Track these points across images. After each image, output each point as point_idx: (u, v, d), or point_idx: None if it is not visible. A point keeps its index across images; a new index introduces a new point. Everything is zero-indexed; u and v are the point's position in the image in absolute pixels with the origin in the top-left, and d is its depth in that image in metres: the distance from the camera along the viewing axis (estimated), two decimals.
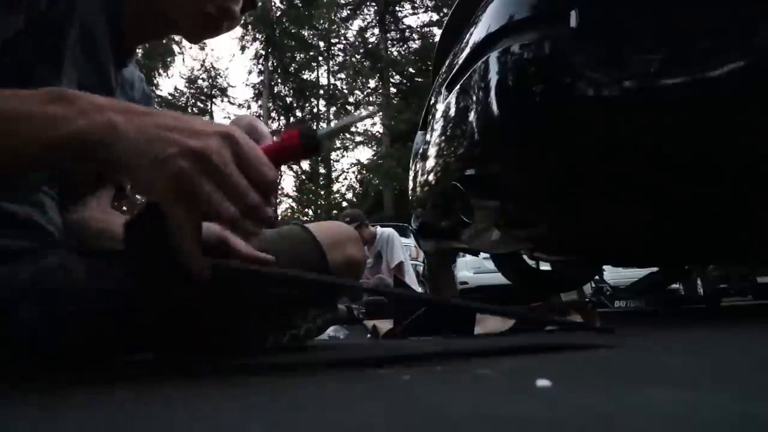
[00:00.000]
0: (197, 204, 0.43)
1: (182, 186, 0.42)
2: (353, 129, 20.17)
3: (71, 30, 0.64)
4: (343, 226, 0.92)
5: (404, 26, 19.06)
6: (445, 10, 16.28)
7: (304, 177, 20.58)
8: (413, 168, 1.94)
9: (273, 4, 18.88)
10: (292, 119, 20.63)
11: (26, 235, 0.63)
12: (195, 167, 0.42)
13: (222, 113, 23.85)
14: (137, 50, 0.81)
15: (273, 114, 20.06)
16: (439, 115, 1.58)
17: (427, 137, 1.71)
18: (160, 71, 19.05)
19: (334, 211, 17.88)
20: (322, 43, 20.47)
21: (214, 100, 21.07)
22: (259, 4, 0.83)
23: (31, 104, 0.44)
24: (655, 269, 3.38)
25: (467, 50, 1.39)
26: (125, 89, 0.80)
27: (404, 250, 3.69)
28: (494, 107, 1.18)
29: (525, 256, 2.48)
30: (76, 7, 0.63)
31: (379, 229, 3.68)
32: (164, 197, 0.43)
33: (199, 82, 20.94)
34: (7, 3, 0.56)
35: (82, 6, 0.64)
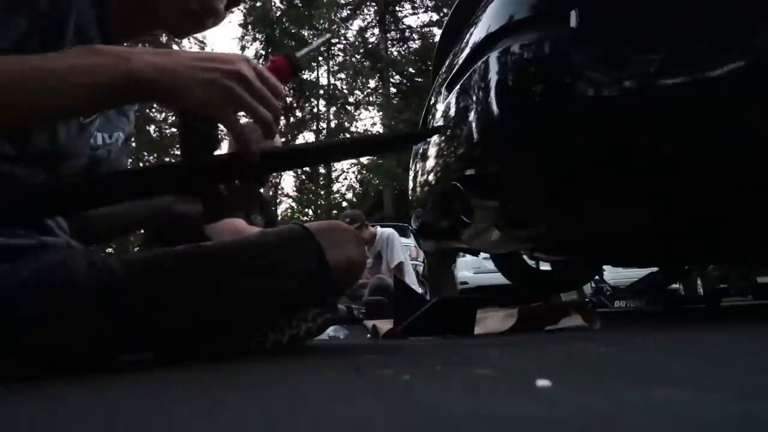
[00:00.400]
0: (243, 109, 0.57)
1: (231, 99, 0.56)
2: (353, 129, 20.20)
3: (69, 29, 0.65)
4: (343, 226, 0.92)
5: (404, 26, 19.04)
6: (445, 10, 16.26)
7: (304, 177, 20.58)
8: (413, 168, 1.94)
9: (273, 4, 18.87)
10: (292, 119, 20.64)
11: (27, 232, 0.64)
12: (236, 84, 0.56)
13: None
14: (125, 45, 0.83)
15: None
16: (439, 115, 1.58)
17: None
18: None
19: (334, 211, 17.87)
20: None
21: None
22: (247, 1, 0.88)
23: (70, 59, 0.53)
24: (655, 269, 3.37)
25: (467, 50, 1.39)
26: None
27: (404, 250, 3.69)
28: (494, 107, 1.18)
29: (525, 256, 2.48)
30: (73, 5, 0.65)
31: (379, 229, 3.68)
32: (219, 109, 0.57)
33: None
34: (10, 6, 0.59)
35: (77, 4, 0.66)
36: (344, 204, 18.75)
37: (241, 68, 0.57)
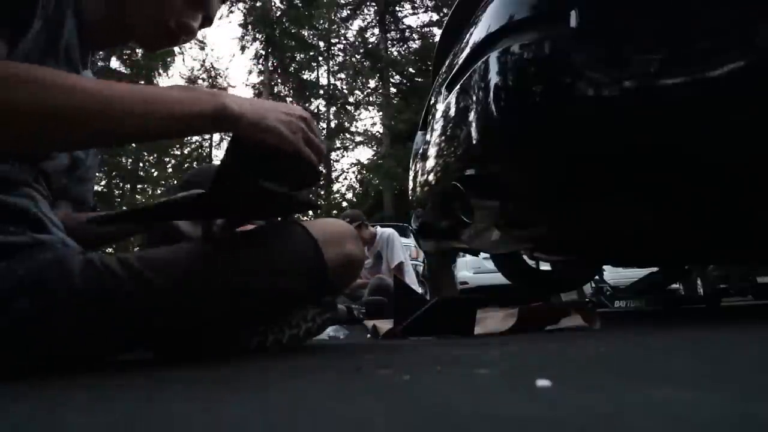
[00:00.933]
0: (310, 143, 0.72)
1: (304, 134, 0.71)
2: (353, 129, 20.19)
3: (64, 35, 0.68)
4: (341, 224, 0.92)
5: (404, 26, 19.04)
6: (445, 10, 16.27)
7: None
8: (413, 168, 1.94)
9: (273, 4, 18.88)
10: None
11: (20, 229, 0.64)
12: (305, 125, 0.71)
13: None
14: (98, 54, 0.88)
15: None
16: (439, 115, 1.58)
17: (427, 137, 1.71)
18: (160, 71, 19.05)
19: (334, 211, 17.86)
20: (322, 43, 20.46)
21: None
22: (219, 19, 0.92)
23: (174, 91, 0.64)
24: (655, 269, 3.38)
25: (467, 50, 1.39)
26: None
27: (404, 250, 3.68)
28: (494, 107, 1.18)
29: (525, 256, 2.48)
30: (67, 13, 0.68)
31: (379, 229, 3.67)
32: (297, 143, 0.69)
33: (199, 82, 20.93)
34: (33, 12, 0.61)
35: (67, 8, 0.69)
36: (344, 204, 18.74)
37: (305, 115, 0.73)
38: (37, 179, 0.70)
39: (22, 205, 0.65)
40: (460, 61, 1.42)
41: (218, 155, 20.90)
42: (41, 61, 0.63)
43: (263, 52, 19.10)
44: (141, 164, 19.08)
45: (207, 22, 0.85)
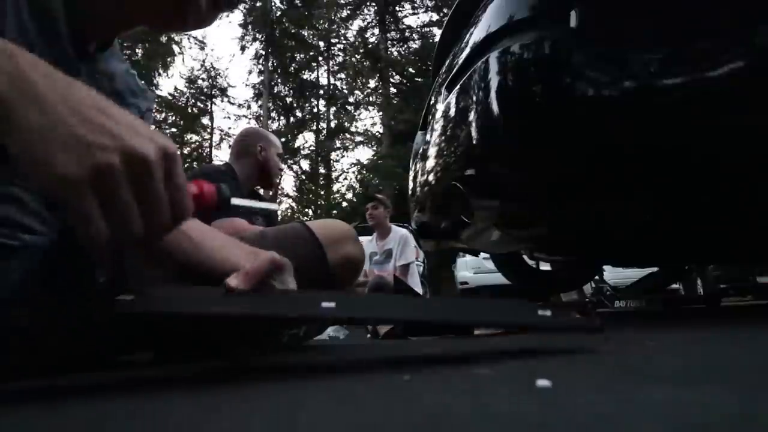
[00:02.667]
0: (111, 207, 0.38)
1: (103, 183, 0.37)
2: (353, 129, 20.20)
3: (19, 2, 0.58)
4: (341, 224, 0.92)
5: (404, 26, 19.05)
6: (445, 10, 16.27)
7: (304, 177, 20.59)
8: (413, 168, 1.94)
9: (273, 4, 18.88)
10: (292, 119, 20.64)
11: (10, 231, 0.62)
12: (126, 169, 0.38)
13: (222, 113, 23.93)
14: (114, 44, 0.75)
15: (273, 114, 20.07)
16: (439, 115, 1.58)
17: (427, 137, 1.71)
18: (160, 71, 19.05)
19: (334, 211, 17.87)
20: (322, 43, 20.47)
21: (214, 100, 21.09)
22: (219, 18, 0.78)
23: None
24: (655, 269, 3.37)
25: (467, 50, 1.39)
26: (99, 81, 0.74)
27: (415, 252, 3.66)
28: (494, 107, 1.18)
29: (525, 256, 2.48)
30: None
31: (395, 227, 3.66)
32: (76, 188, 0.36)
33: (199, 82, 20.96)
34: None
35: None
36: (344, 204, 18.74)
37: (149, 152, 0.39)
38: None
39: (4, 212, 0.61)
40: (460, 61, 1.42)
41: (218, 155, 20.93)
42: None
43: (263, 52, 19.11)
44: None
45: (224, 1, 0.71)
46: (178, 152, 0.42)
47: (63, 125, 0.36)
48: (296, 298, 0.54)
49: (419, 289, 3.49)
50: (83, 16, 0.67)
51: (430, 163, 1.63)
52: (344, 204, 18.74)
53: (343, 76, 20.65)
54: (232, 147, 1.97)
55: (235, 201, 0.59)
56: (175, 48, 19.34)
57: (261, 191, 2.12)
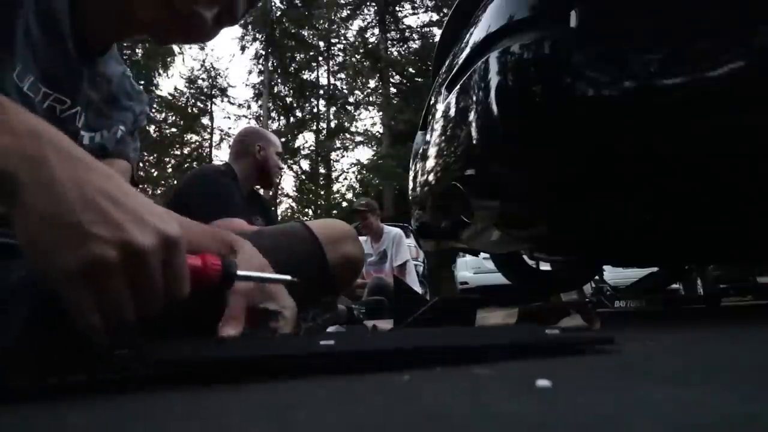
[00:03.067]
0: (103, 296, 0.38)
1: (95, 275, 0.37)
2: (353, 129, 20.20)
3: (27, 6, 0.59)
4: (341, 224, 0.92)
5: (404, 26, 19.06)
6: (445, 10, 16.27)
7: (304, 177, 20.60)
8: (413, 168, 1.94)
9: (273, 4, 18.88)
10: (292, 119, 20.64)
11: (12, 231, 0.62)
12: (121, 262, 0.38)
13: (222, 113, 23.95)
14: (113, 46, 0.76)
15: (273, 114, 20.07)
16: (439, 115, 1.58)
17: (427, 137, 1.71)
18: (160, 71, 19.05)
19: (334, 211, 17.87)
20: (322, 43, 20.48)
21: (214, 100, 21.11)
22: (244, 17, 0.78)
23: None
24: (655, 269, 3.37)
25: (467, 50, 1.39)
26: (98, 84, 0.75)
27: (409, 250, 3.69)
28: (494, 107, 1.18)
29: (525, 256, 2.48)
30: None
31: (386, 228, 3.67)
32: (69, 279, 0.37)
33: (199, 82, 20.98)
34: None
35: None
36: (344, 204, 18.75)
37: (147, 245, 0.39)
38: None
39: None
40: (460, 61, 1.42)
41: (218, 155, 20.94)
42: None
43: (263, 52, 19.12)
44: (141, 164, 19.11)
45: (229, 18, 0.72)
46: (180, 238, 0.42)
47: (67, 214, 0.37)
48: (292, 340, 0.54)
49: (417, 288, 3.49)
50: (87, 20, 0.67)
51: (430, 163, 1.63)
52: (344, 204, 18.74)
53: (343, 76, 20.67)
54: (231, 147, 1.97)
55: (242, 273, 0.54)
56: (175, 48, 19.31)
57: (261, 191, 2.12)
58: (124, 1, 0.65)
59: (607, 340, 0.58)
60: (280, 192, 19.97)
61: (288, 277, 0.60)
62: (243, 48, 19.82)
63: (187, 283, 0.43)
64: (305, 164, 20.60)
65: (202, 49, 20.81)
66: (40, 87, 0.63)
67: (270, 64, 19.33)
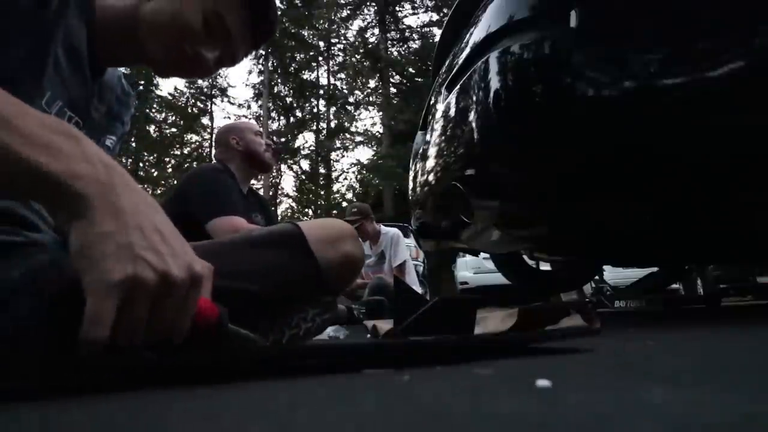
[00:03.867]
0: (125, 316, 0.41)
1: (130, 291, 0.41)
2: (353, 129, 20.20)
3: (58, 36, 0.63)
4: (340, 223, 0.92)
5: (404, 26, 19.06)
6: (445, 10, 16.27)
7: (304, 177, 20.60)
8: (413, 168, 1.94)
9: None
10: (292, 119, 20.64)
11: (12, 229, 0.63)
12: (155, 287, 0.42)
13: (222, 113, 23.93)
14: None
15: (273, 114, 20.06)
16: (439, 115, 1.58)
17: (427, 137, 1.71)
18: None
19: (334, 211, 17.87)
20: (322, 43, 20.47)
21: (214, 100, 21.10)
22: (244, 61, 0.85)
23: (35, 125, 0.42)
24: (655, 269, 3.37)
25: (467, 50, 1.39)
26: (104, 94, 0.80)
27: (407, 250, 3.68)
28: (494, 107, 1.18)
29: (525, 256, 2.48)
30: (66, 13, 0.63)
31: (384, 228, 3.66)
32: (108, 289, 0.40)
33: (199, 82, 20.95)
34: None
35: (70, 17, 0.65)
36: (344, 204, 18.74)
37: (179, 279, 0.43)
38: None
39: (4, 206, 0.63)
40: (460, 62, 1.42)
41: None
42: (11, 71, 0.56)
43: (263, 52, 19.11)
44: (141, 164, 19.12)
45: (229, 61, 0.78)
46: (209, 276, 0.47)
47: (124, 235, 0.42)
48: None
49: (417, 288, 3.49)
50: (101, 56, 0.73)
51: (430, 163, 1.63)
52: (344, 204, 18.73)
53: (343, 76, 20.66)
54: (215, 155, 1.99)
55: (232, 328, 0.53)
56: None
57: (261, 193, 2.12)
58: (137, 43, 0.71)
59: (595, 331, 0.58)
60: (280, 192, 19.98)
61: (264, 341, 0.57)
62: None
63: (188, 324, 0.46)
64: (305, 164, 20.61)
65: None
66: (65, 111, 0.68)
67: (270, 64, 19.32)
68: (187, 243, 0.48)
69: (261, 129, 2.00)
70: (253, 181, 2.00)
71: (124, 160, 16.78)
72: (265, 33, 0.82)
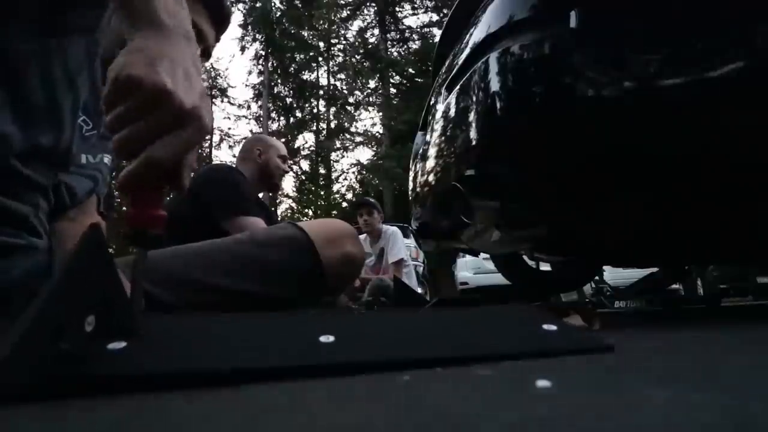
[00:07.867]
0: (133, 113, 0.49)
1: (148, 92, 0.48)
2: (353, 130, 20.20)
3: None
4: (341, 223, 0.92)
5: (404, 27, 19.05)
6: (445, 11, 16.27)
7: (304, 177, 20.59)
8: (413, 168, 1.94)
9: (273, 4, 18.87)
10: (292, 119, 20.64)
11: (16, 232, 0.63)
12: (168, 99, 0.49)
13: (222, 113, 23.90)
14: None
15: (273, 114, 20.06)
16: (439, 115, 1.58)
17: (427, 137, 1.71)
18: None
19: (334, 212, 17.86)
20: (322, 44, 20.47)
21: (214, 100, 21.09)
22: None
23: None
24: (655, 269, 3.37)
25: (467, 50, 1.39)
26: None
27: (406, 248, 3.71)
28: (494, 108, 1.18)
29: (525, 256, 2.48)
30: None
31: (384, 226, 3.70)
32: (129, 79, 0.48)
33: None
34: None
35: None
36: (344, 204, 18.74)
37: (205, 116, 0.53)
38: (57, 188, 0.69)
39: (23, 212, 0.64)
40: (460, 62, 1.42)
41: (218, 155, 20.93)
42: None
43: (263, 53, 19.12)
44: None
45: (204, 56, 0.84)
46: (206, 129, 0.53)
47: (159, 59, 0.50)
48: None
49: (416, 288, 3.50)
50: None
51: (430, 163, 1.63)
52: (344, 204, 18.73)
53: (343, 76, 20.65)
54: (237, 155, 2.05)
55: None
56: None
57: (261, 195, 2.14)
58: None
59: (608, 348, 0.55)
60: (280, 192, 19.97)
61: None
62: (243, 48, 19.80)
63: (180, 155, 0.51)
64: (305, 164, 20.60)
65: None
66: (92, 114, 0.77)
67: (270, 64, 19.32)
68: (206, 94, 0.55)
69: (287, 154, 2.05)
70: None
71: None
72: (223, 21, 0.88)
